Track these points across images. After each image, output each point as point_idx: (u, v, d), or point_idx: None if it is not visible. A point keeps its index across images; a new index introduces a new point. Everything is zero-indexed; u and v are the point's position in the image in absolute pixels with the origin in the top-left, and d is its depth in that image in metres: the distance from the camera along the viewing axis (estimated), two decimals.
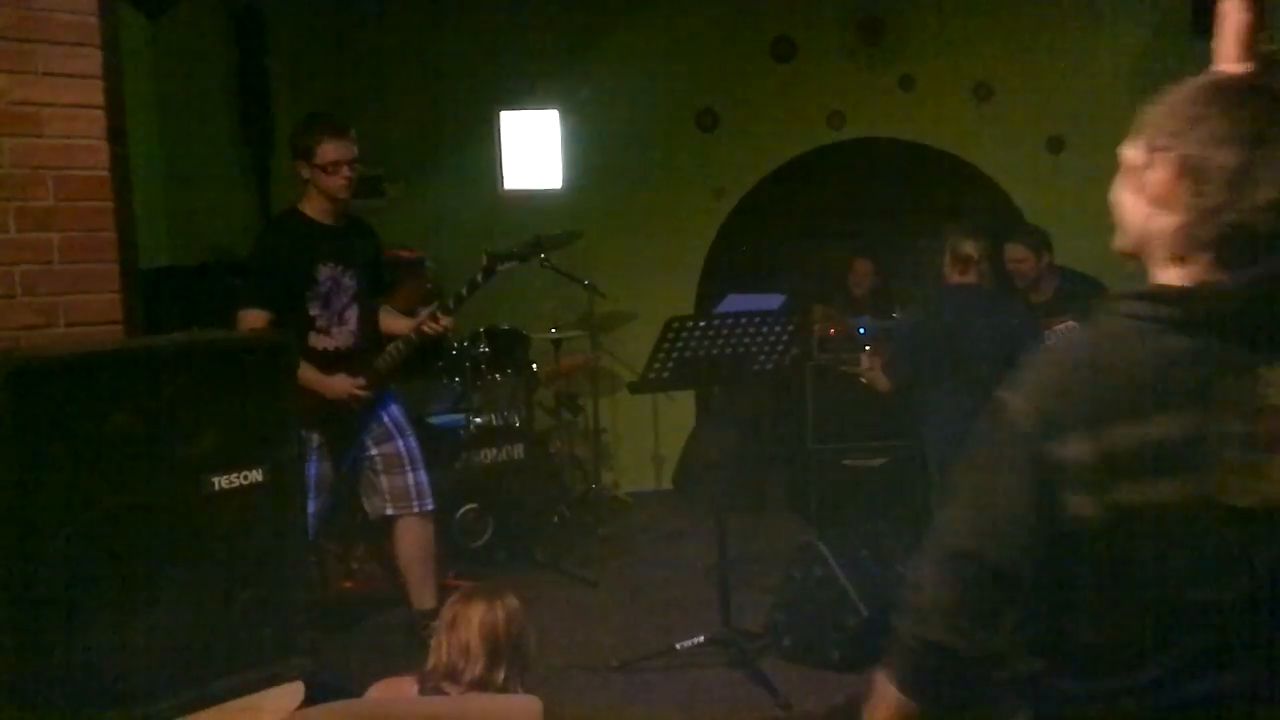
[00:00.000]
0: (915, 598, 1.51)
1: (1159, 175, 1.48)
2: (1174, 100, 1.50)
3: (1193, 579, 1.40)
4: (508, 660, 2.72)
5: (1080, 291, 4.92)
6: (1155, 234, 1.50)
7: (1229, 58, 1.69)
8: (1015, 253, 5.00)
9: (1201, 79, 1.52)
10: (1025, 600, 1.47)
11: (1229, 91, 1.48)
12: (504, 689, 2.68)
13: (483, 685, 2.66)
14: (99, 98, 3.08)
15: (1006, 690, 1.57)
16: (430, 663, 2.77)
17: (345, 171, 3.98)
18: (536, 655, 2.83)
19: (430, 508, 4.30)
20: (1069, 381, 1.43)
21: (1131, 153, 1.55)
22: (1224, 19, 1.71)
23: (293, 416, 2.83)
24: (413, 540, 4.29)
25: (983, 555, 1.44)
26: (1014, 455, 1.43)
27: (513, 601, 2.81)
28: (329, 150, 3.94)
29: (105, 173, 3.09)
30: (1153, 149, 1.50)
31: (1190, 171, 1.44)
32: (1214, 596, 1.40)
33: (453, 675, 2.73)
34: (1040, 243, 4.97)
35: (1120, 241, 1.57)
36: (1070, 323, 4.84)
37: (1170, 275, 1.48)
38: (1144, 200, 1.52)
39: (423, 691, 2.68)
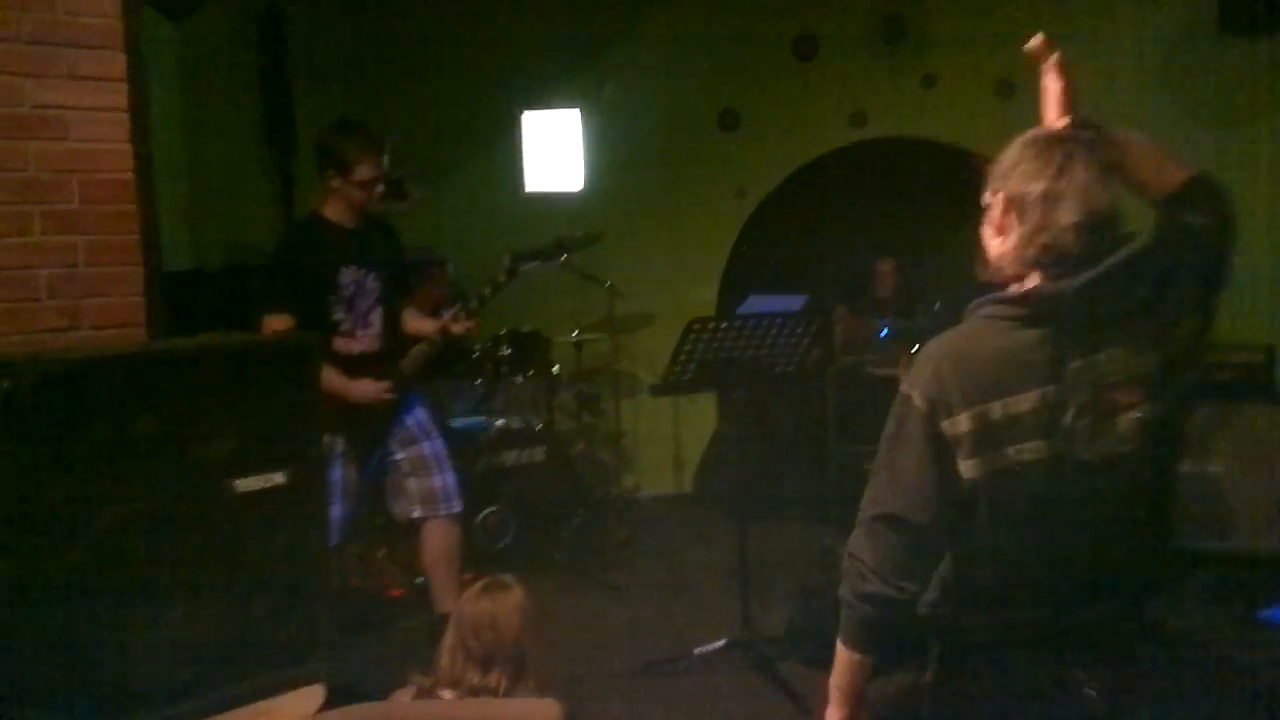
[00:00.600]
0: (852, 563, 1.92)
1: (995, 211, 1.90)
2: (1005, 152, 1.92)
3: (1059, 523, 1.81)
4: (500, 660, 2.71)
5: None
6: (999, 258, 1.90)
7: (1050, 119, 2.04)
8: None
9: (1024, 134, 1.95)
10: (938, 552, 1.89)
11: (1039, 140, 1.91)
12: (499, 690, 2.66)
13: (462, 685, 2.65)
14: (123, 101, 3.09)
15: (922, 631, 1.97)
16: (435, 666, 2.77)
17: (379, 188, 4.02)
18: (537, 652, 2.81)
19: (458, 510, 4.30)
20: (945, 372, 1.82)
21: (985, 196, 1.94)
22: (1045, 89, 2.10)
23: (315, 420, 2.84)
24: (439, 542, 4.29)
25: (903, 517, 1.85)
26: (917, 435, 1.83)
27: (489, 602, 2.78)
28: (366, 169, 3.96)
29: (130, 176, 3.10)
30: (993, 192, 1.91)
31: (1014, 205, 1.86)
32: (1077, 537, 1.81)
33: (451, 683, 2.72)
34: None
35: (980, 272, 1.98)
36: None
37: (1016, 288, 1.87)
38: (991, 232, 1.92)
39: (420, 696, 2.68)
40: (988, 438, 1.79)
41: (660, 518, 6.50)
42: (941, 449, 1.82)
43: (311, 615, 2.79)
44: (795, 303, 4.43)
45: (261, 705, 2.66)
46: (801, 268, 7.00)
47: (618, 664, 4.22)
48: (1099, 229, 1.82)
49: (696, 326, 4.03)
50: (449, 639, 2.77)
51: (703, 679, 4.11)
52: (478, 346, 5.58)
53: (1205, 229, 1.97)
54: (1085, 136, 1.93)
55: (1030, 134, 1.95)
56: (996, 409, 1.79)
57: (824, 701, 3.33)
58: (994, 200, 1.91)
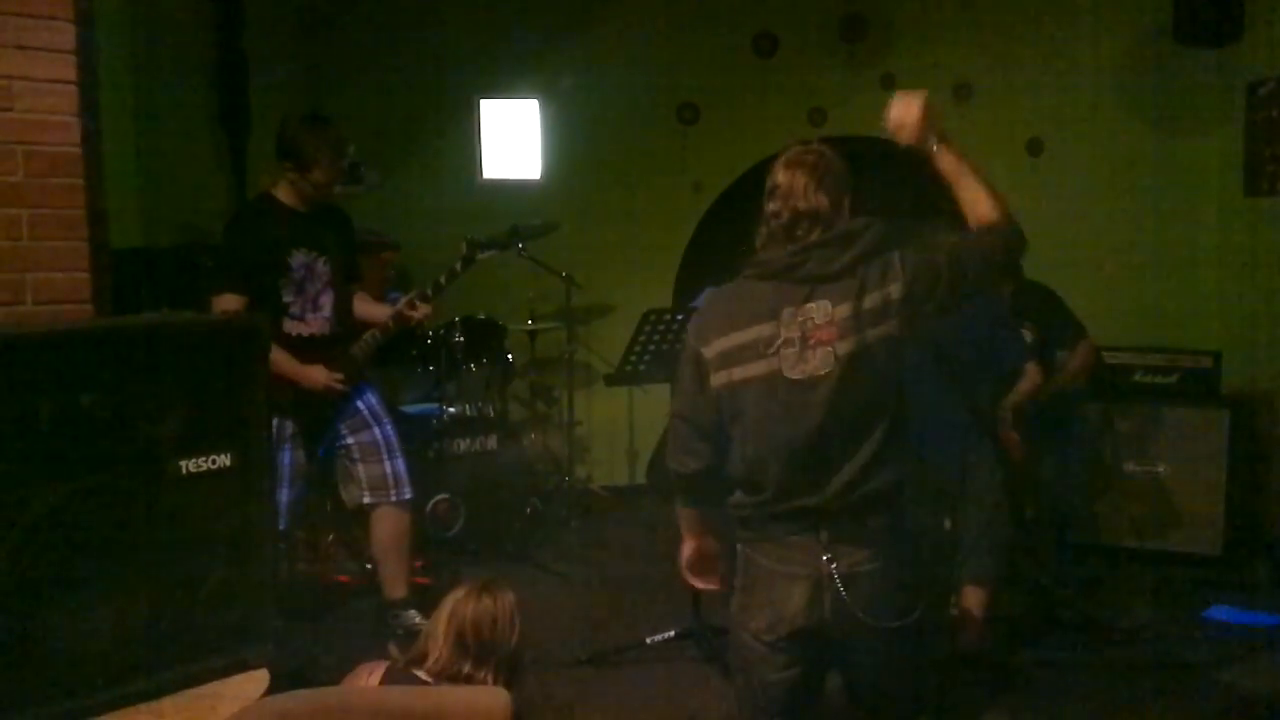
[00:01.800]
0: (668, 448, 2.71)
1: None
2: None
3: (776, 422, 2.45)
4: (475, 654, 2.70)
5: (1035, 299, 4.94)
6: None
7: (902, 139, 2.93)
8: None
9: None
10: (715, 439, 2.58)
11: (789, 151, 2.69)
12: (470, 680, 2.66)
13: (448, 675, 2.64)
14: (72, 73, 3.03)
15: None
16: (415, 650, 2.75)
17: (333, 189, 4.07)
18: (518, 656, 2.80)
19: (408, 496, 4.27)
20: (707, 314, 2.64)
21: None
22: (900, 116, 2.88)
23: (263, 402, 2.80)
24: (389, 529, 4.26)
25: (682, 414, 2.63)
26: (689, 359, 2.60)
27: (490, 601, 2.77)
28: (322, 172, 3.97)
29: (77, 149, 3.04)
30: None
31: (766, 197, 2.61)
32: (790, 433, 2.44)
33: (420, 661, 2.72)
34: None
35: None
36: (1025, 330, 4.86)
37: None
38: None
39: (390, 674, 2.66)
40: (725, 358, 2.50)
41: (613, 508, 6.49)
42: (702, 367, 2.54)
43: (257, 599, 2.76)
44: None
45: (204, 689, 2.62)
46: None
47: (568, 653, 4.21)
48: (798, 219, 2.54)
49: (652, 318, 4.03)
50: (441, 628, 2.75)
51: (653, 668, 4.11)
52: (431, 333, 5.54)
53: (989, 253, 2.62)
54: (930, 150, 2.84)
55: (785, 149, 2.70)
56: (732, 339, 2.49)
57: None
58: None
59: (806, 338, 2.42)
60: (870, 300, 2.43)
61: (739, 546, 2.63)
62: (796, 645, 2.49)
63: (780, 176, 2.60)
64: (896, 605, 2.47)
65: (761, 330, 2.46)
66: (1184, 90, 6.71)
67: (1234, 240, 6.53)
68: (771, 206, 2.58)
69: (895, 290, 2.44)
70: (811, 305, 2.43)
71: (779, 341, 2.44)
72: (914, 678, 2.70)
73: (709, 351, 2.52)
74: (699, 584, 2.86)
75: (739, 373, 2.48)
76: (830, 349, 2.41)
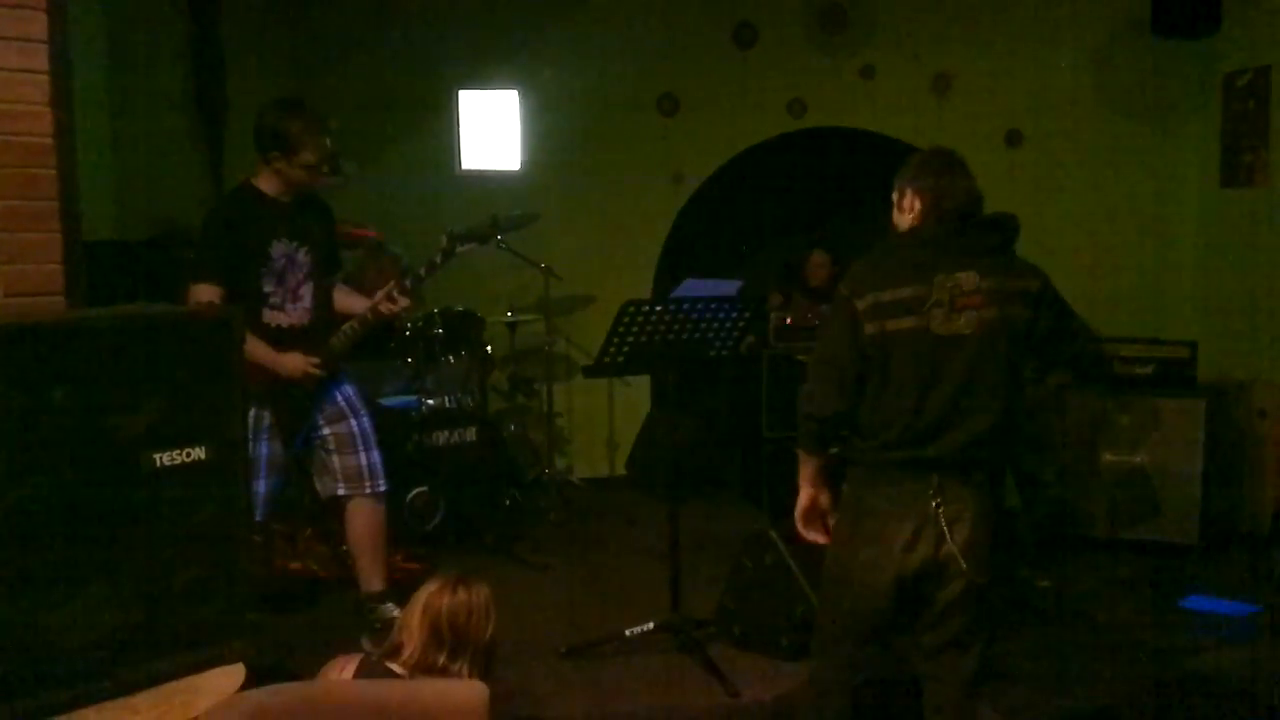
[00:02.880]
0: (804, 393, 2.92)
1: (908, 199, 2.93)
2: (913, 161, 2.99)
3: (920, 367, 2.77)
4: (450, 647, 2.70)
5: None
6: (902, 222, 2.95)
7: None
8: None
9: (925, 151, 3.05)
10: (855, 387, 2.83)
11: (933, 155, 2.99)
12: (445, 673, 2.65)
13: (422, 667, 2.64)
14: (43, 63, 2.99)
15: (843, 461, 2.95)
16: (390, 642, 2.75)
17: (323, 169, 4.01)
18: (492, 649, 2.80)
19: (383, 489, 4.24)
20: (858, 272, 2.87)
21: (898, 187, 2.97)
22: None
23: (238, 394, 2.78)
24: (364, 522, 4.23)
25: (828, 359, 2.88)
26: (841, 310, 2.84)
27: (466, 594, 2.77)
28: (312, 153, 3.92)
29: (49, 140, 3.01)
30: (902, 186, 2.95)
31: (919, 193, 2.90)
32: (928, 386, 2.77)
33: (395, 653, 2.71)
34: None
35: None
36: None
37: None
38: (901, 211, 2.95)
39: (363, 667, 2.65)
40: (878, 310, 2.78)
41: (592, 500, 6.48)
42: (854, 317, 2.80)
43: (233, 593, 2.74)
44: (730, 287, 4.43)
45: (180, 684, 2.60)
46: (737, 254, 7.02)
47: (547, 645, 4.20)
48: (957, 210, 2.84)
49: (631, 309, 4.01)
50: (416, 621, 2.74)
51: (632, 660, 4.11)
52: (410, 325, 5.51)
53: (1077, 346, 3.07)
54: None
55: (926, 151, 3.04)
56: (886, 295, 2.78)
57: (752, 684, 3.57)
58: (904, 189, 2.95)
59: (954, 301, 2.75)
60: (1014, 283, 2.80)
61: (846, 487, 2.96)
62: (894, 579, 2.83)
63: (938, 178, 2.89)
64: (982, 558, 2.81)
65: (916, 290, 2.77)
66: (1162, 82, 6.76)
67: (1211, 231, 6.58)
68: (921, 186, 2.90)
69: (1034, 286, 2.83)
70: (960, 275, 2.76)
71: (930, 302, 2.76)
72: (983, 618, 2.95)
73: (862, 304, 2.78)
74: (810, 535, 3.08)
75: (891, 325, 2.77)
76: (976, 313, 2.75)
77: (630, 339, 4.03)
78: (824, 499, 3.04)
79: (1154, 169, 6.88)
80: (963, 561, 2.77)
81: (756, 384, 6.14)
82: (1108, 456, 5.65)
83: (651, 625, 4.18)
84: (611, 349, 4.05)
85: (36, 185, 3.00)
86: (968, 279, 2.77)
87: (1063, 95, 6.89)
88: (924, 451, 2.78)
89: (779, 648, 4.10)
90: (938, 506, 2.76)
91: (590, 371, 4.25)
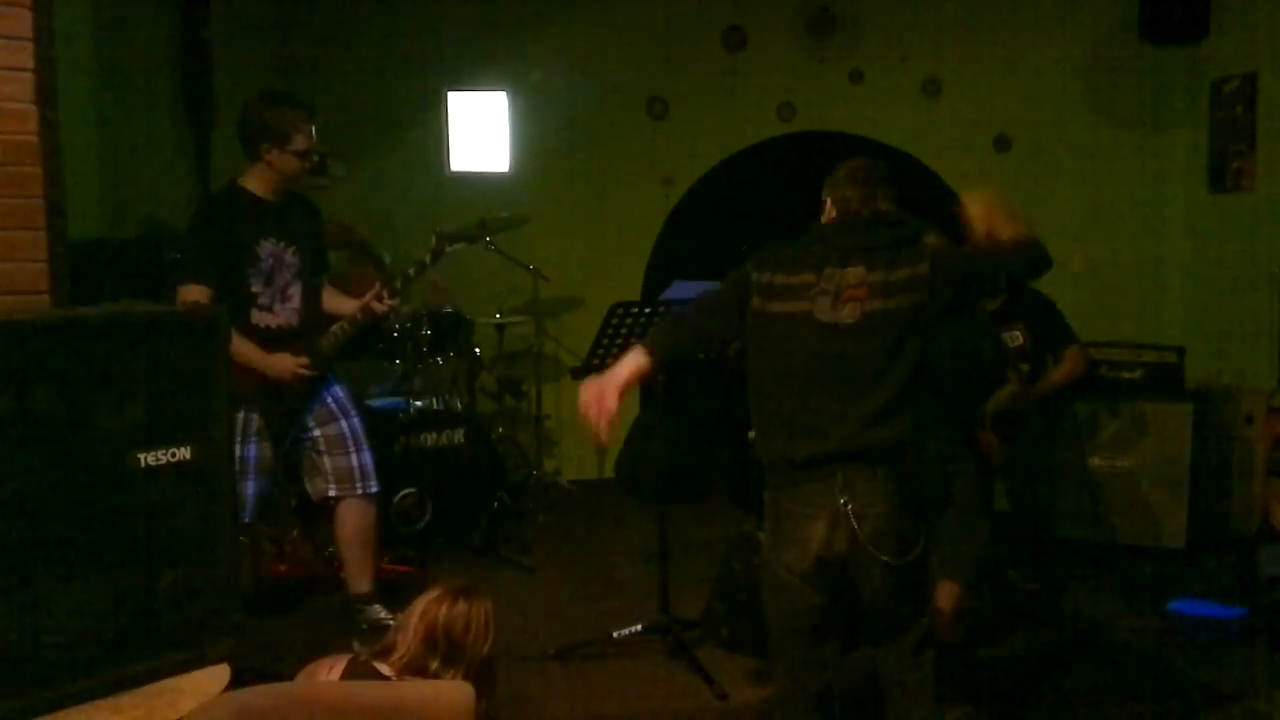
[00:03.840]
0: (676, 312, 3.34)
1: (827, 205, 3.13)
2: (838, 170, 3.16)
3: (802, 355, 2.89)
4: (444, 655, 2.68)
5: (1028, 302, 4.98)
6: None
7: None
8: None
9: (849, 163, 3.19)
10: (694, 337, 3.20)
11: (854, 168, 3.15)
12: (435, 678, 2.64)
13: (412, 669, 2.62)
14: (29, 60, 2.98)
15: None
16: (383, 642, 2.73)
17: (313, 157, 4.02)
18: (489, 665, 2.78)
19: (374, 490, 4.24)
20: (769, 255, 3.01)
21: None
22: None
23: (224, 394, 2.76)
24: (354, 523, 4.22)
25: (697, 304, 3.23)
26: (739, 275, 3.04)
27: (466, 604, 2.75)
28: (304, 138, 3.93)
29: (34, 138, 2.99)
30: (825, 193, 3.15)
31: (833, 201, 3.11)
32: (812, 367, 2.88)
33: (387, 653, 2.70)
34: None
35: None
36: (1017, 332, 4.90)
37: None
38: (824, 214, 3.14)
39: (351, 666, 2.64)
40: (770, 290, 2.94)
41: (580, 502, 6.48)
42: (743, 287, 2.99)
43: (218, 594, 2.72)
44: None
45: (164, 685, 2.58)
46: (726, 257, 7.00)
47: (535, 647, 4.20)
48: (860, 217, 3.01)
49: (619, 311, 4.01)
50: (412, 625, 2.72)
51: (620, 662, 4.10)
52: (398, 326, 5.50)
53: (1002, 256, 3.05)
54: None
55: (850, 162, 3.19)
56: (779, 279, 2.94)
57: (740, 685, 3.56)
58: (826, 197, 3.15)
59: (839, 292, 2.87)
60: (899, 273, 2.88)
61: (766, 494, 3.04)
62: (817, 575, 2.92)
63: (846, 187, 3.08)
64: (898, 543, 2.87)
65: (806, 278, 2.91)
66: (1150, 88, 6.78)
67: (1199, 236, 6.61)
68: (836, 195, 3.09)
69: (922, 270, 2.88)
70: (848, 269, 2.89)
71: (816, 289, 2.89)
72: (913, 598, 3.05)
73: (758, 278, 2.96)
74: (597, 410, 3.16)
75: (775, 306, 2.92)
76: (860, 304, 2.86)
77: (619, 341, 4.03)
78: (645, 372, 3.19)
79: (1142, 174, 6.91)
80: (877, 552, 2.83)
81: (744, 387, 6.13)
82: (1096, 460, 5.66)
83: (639, 627, 4.18)
84: (600, 351, 4.05)
85: (22, 183, 2.98)
86: (854, 273, 2.88)
87: (1052, 100, 6.92)
88: (824, 445, 2.85)
89: (766, 649, 4.09)
90: (846, 504, 2.83)
91: (579, 373, 4.24)
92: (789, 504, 2.95)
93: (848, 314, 2.86)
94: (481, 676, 2.70)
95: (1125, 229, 6.94)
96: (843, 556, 2.88)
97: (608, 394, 3.12)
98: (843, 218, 3.04)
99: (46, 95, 3.05)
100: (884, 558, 2.84)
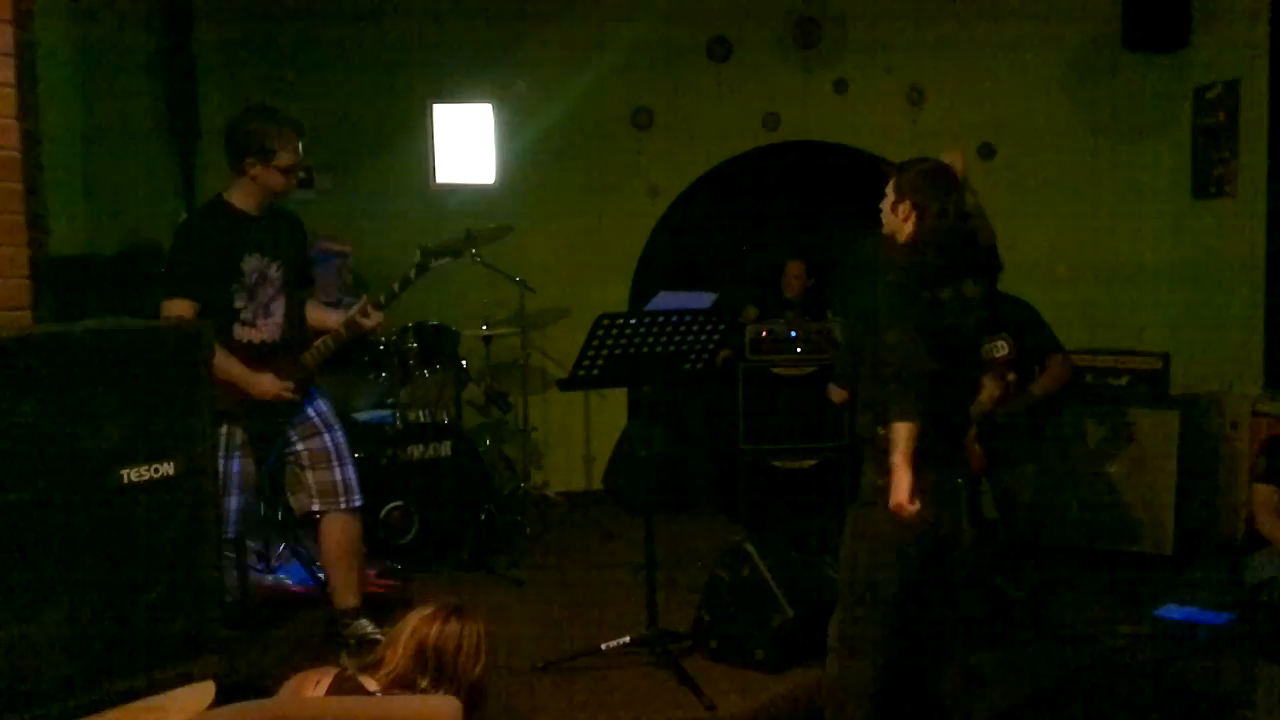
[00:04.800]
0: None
1: (904, 208, 3.32)
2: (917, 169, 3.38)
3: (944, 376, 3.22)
4: (433, 673, 2.66)
5: (1011, 312, 4.99)
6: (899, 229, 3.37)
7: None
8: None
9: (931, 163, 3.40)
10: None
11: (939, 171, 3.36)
12: (424, 694, 2.63)
13: (399, 685, 2.61)
14: (10, 75, 2.98)
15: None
16: (373, 656, 2.72)
17: (299, 172, 4.00)
18: (480, 688, 2.76)
19: (358, 504, 4.22)
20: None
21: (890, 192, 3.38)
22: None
23: (207, 409, 2.76)
24: (339, 537, 4.20)
25: None
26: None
27: (458, 625, 2.73)
28: (289, 154, 3.92)
29: (15, 154, 2.99)
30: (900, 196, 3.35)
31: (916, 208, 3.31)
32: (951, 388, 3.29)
33: (375, 667, 2.68)
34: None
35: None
36: (1001, 342, 4.90)
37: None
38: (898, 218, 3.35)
39: (337, 681, 2.63)
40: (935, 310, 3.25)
41: (568, 514, 6.46)
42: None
43: (203, 610, 2.72)
44: (704, 300, 4.42)
45: (149, 702, 2.57)
46: (712, 267, 7.03)
47: (523, 660, 4.18)
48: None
49: (605, 322, 4.00)
50: (402, 641, 2.70)
51: (609, 675, 4.08)
52: (384, 340, 5.49)
53: None
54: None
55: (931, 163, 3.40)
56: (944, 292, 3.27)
57: (729, 697, 3.57)
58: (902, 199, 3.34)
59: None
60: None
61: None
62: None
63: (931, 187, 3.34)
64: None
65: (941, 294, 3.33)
66: (1133, 95, 6.81)
67: (1182, 242, 6.63)
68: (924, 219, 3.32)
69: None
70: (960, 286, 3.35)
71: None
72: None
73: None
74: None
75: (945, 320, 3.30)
76: (974, 315, 3.42)
77: (605, 352, 4.02)
78: None
79: (1126, 180, 6.93)
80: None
81: (733, 396, 6.14)
82: (1082, 467, 5.67)
83: (628, 639, 4.16)
84: (586, 362, 4.04)
85: (3, 199, 2.98)
86: (966, 286, 3.31)
87: (1035, 108, 6.94)
88: (948, 439, 3.32)
89: (755, 660, 4.09)
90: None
91: (565, 385, 4.24)
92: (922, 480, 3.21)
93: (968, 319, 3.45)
94: (471, 697, 2.69)
95: (1109, 235, 6.96)
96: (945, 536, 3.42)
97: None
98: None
99: (28, 110, 3.05)
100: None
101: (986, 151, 6.96)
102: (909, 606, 3.32)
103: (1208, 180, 6.33)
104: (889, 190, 3.39)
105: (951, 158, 3.51)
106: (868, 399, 3.35)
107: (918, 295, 3.24)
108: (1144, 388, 5.74)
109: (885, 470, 3.18)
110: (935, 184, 3.30)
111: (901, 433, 3.13)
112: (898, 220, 3.34)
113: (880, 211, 3.43)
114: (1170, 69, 6.58)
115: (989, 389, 4.72)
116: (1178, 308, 6.63)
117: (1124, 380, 5.78)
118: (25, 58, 3.04)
